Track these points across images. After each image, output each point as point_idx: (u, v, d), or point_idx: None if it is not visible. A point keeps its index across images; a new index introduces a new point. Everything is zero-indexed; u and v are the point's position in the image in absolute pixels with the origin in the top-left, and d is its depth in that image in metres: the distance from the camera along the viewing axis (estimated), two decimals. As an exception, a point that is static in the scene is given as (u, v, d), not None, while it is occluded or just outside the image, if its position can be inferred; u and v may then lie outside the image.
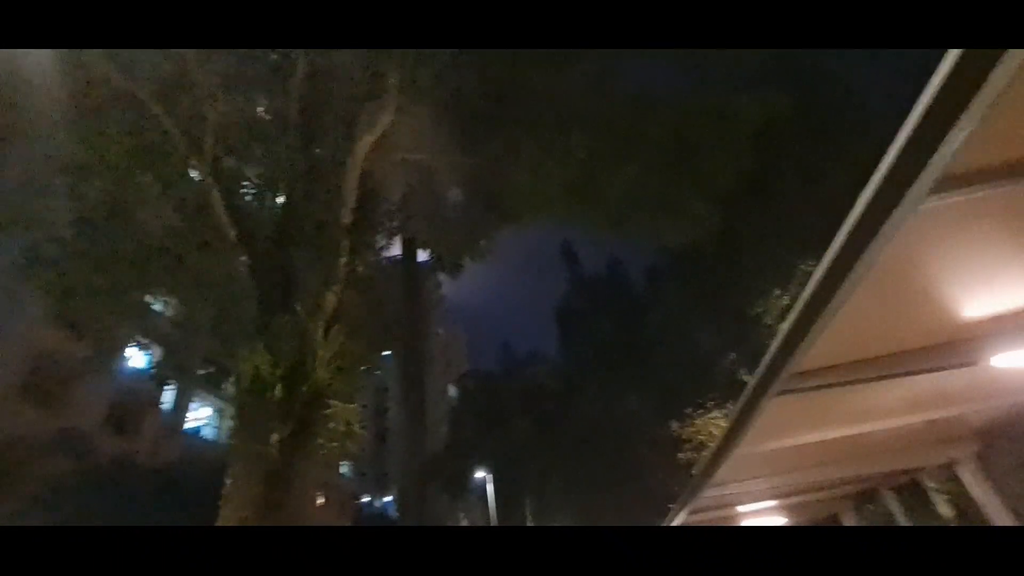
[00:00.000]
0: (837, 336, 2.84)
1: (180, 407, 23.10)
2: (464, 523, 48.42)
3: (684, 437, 19.08)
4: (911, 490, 8.28)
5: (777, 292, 17.55)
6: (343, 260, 4.97)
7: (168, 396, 22.97)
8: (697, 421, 18.76)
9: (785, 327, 2.96)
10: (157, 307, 22.54)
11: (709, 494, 6.56)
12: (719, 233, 15.15)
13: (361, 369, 4.65)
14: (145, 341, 21.06)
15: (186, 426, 24.22)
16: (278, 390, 3.83)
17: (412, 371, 22.57)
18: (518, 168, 7.15)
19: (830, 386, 3.46)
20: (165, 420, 21.58)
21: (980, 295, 2.95)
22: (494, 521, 25.62)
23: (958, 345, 3.35)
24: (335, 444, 4.65)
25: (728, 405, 18.39)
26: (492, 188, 7.37)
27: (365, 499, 61.06)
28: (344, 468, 40.33)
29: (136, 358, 20.71)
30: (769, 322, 17.97)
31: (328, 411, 4.20)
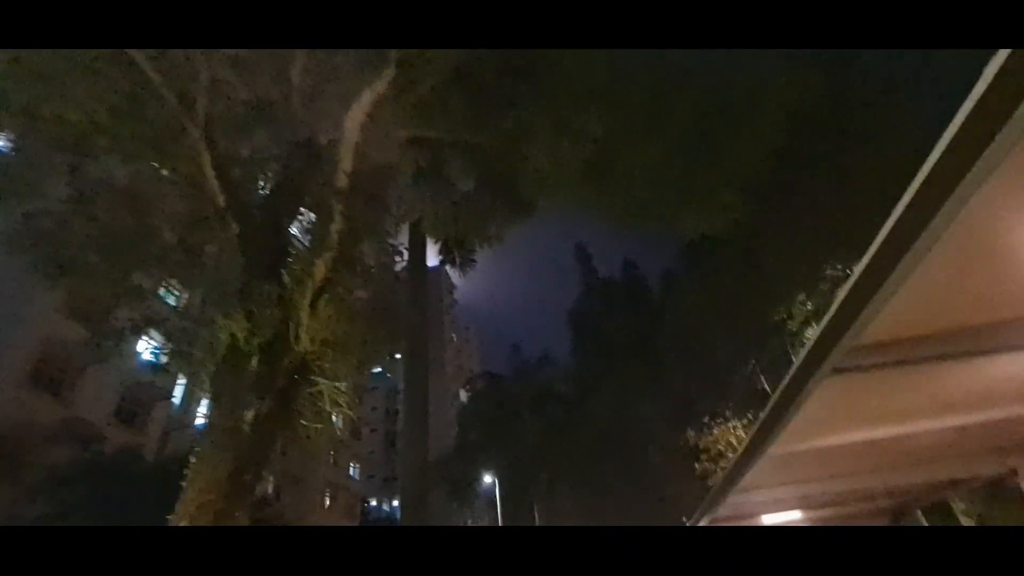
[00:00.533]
0: (911, 300, 2.25)
1: (191, 401, 23.03)
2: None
3: (701, 447, 18.42)
4: (943, 511, 7.72)
5: (801, 297, 16.76)
6: (335, 227, 4.60)
7: (179, 391, 22.97)
8: (715, 431, 18.08)
9: (848, 287, 2.45)
10: (171, 300, 22.67)
11: (732, 501, 5.90)
12: (743, 227, 14.53)
13: (357, 348, 4.22)
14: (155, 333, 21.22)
15: (198, 421, 24.20)
16: (255, 361, 3.44)
17: (417, 372, 22.20)
18: (531, 147, 6.73)
19: (900, 364, 2.82)
20: (175, 414, 21.54)
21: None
22: (499, 514, 25.02)
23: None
24: (319, 426, 4.21)
25: (748, 415, 17.64)
26: (503, 169, 6.97)
27: (372, 502, 60.83)
28: (352, 470, 40.01)
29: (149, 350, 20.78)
30: (793, 328, 17.17)
31: (312, 389, 3.79)
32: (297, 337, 3.66)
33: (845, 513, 7.93)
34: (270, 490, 29.26)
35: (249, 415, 3.31)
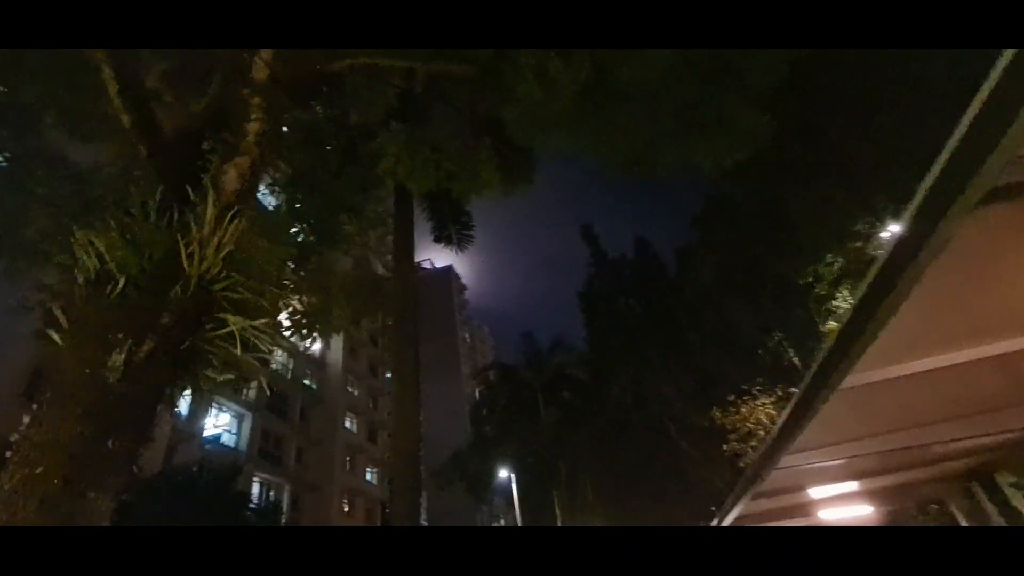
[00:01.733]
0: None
1: (196, 412, 22.48)
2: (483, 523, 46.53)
3: (728, 426, 17.29)
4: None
5: (829, 258, 15.46)
6: (254, 126, 3.68)
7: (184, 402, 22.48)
8: (743, 408, 16.93)
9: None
10: None
11: (779, 470, 5.07)
12: (763, 173, 13.37)
13: (276, 272, 3.23)
14: None
15: (205, 433, 23.63)
16: (131, 289, 2.52)
17: (405, 349, 21.20)
18: (518, 75, 5.80)
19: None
20: (181, 426, 20.98)
21: None
22: (519, 522, 23.76)
23: None
24: (229, 377, 3.28)
25: (777, 390, 16.42)
26: (488, 102, 6.05)
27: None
28: (370, 475, 39.22)
29: None
30: (821, 292, 15.91)
31: (222, 330, 2.85)
32: (192, 257, 2.73)
33: (914, 479, 6.73)
34: (287, 498, 28.62)
35: (117, 360, 2.40)
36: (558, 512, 24.98)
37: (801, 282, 15.73)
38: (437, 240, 12.36)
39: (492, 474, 26.71)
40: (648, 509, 23.41)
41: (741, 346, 19.88)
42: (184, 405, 22.18)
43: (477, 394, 39.41)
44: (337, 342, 37.76)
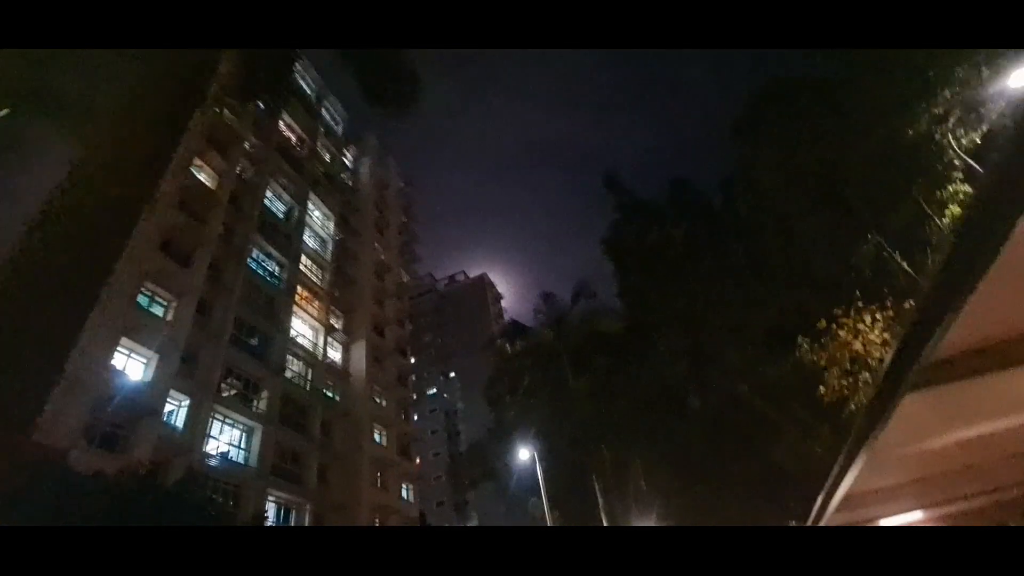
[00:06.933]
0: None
1: (194, 426, 21.64)
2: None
3: (824, 363, 12.65)
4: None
5: (923, 105, 11.83)
6: None
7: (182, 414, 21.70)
8: (842, 332, 12.23)
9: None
10: (157, 310, 21.54)
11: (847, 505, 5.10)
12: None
13: None
14: (141, 349, 20.01)
15: (209, 448, 22.76)
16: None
17: None
18: None
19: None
20: (177, 439, 20.18)
21: None
22: (545, 508, 19.07)
23: None
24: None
25: (888, 303, 11.92)
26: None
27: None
28: (405, 492, 37.70)
29: (131, 368, 19.48)
30: (943, 140, 12.14)
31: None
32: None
33: (975, 507, 6.02)
34: (308, 519, 27.43)
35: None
36: (601, 506, 20.45)
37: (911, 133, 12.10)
38: (372, 103, 9.95)
39: (510, 455, 22.55)
40: (717, 499, 18.90)
41: (819, 262, 15.64)
42: (181, 417, 21.47)
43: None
44: (359, 351, 36.84)
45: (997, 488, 6.17)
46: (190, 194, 24.24)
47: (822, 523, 5.48)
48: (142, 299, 21.12)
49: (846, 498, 4.92)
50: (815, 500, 6.90)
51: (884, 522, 6.07)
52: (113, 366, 18.38)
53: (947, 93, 11.50)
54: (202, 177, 26.50)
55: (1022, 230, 1.44)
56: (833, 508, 4.91)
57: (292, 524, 26.69)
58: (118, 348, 18.74)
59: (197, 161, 26.36)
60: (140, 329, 19.75)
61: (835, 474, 4.68)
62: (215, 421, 23.81)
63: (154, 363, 20.01)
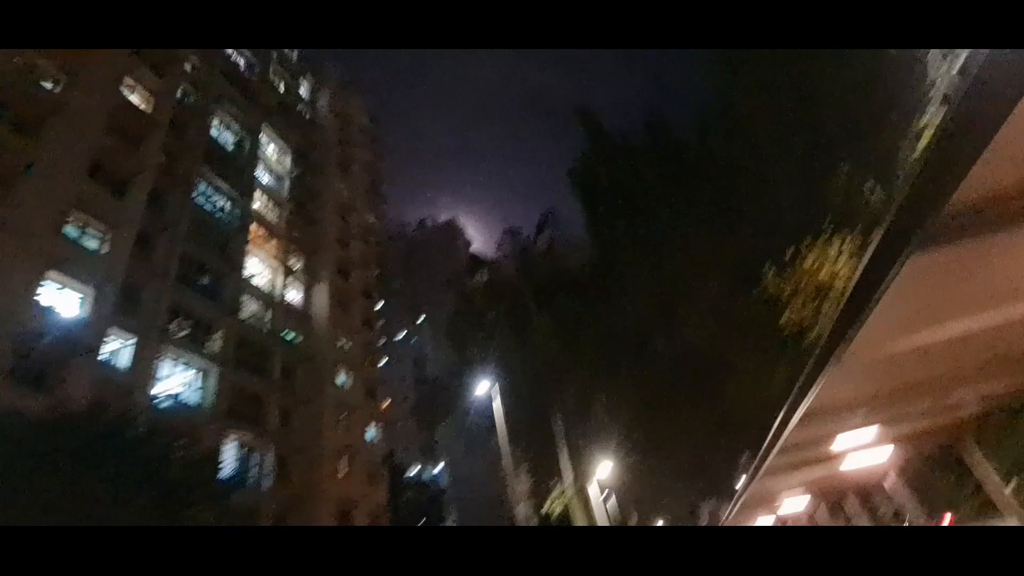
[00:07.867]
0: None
1: (139, 366, 20.55)
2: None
3: (788, 290, 12.54)
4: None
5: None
6: None
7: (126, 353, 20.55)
8: (808, 259, 12.12)
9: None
10: (92, 244, 19.95)
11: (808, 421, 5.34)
12: None
13: None
14: (74, 283, 18.56)
15: (159, 389, 21.79)
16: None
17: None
18: None
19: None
20: (119, 380, 19.13)
21: None
22: (503, 441, 18.35)
23: None
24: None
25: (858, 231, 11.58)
26: None
27: (413, 470, 59.36)
28: (370, 432, 37.55)
29: (63, 301, 18.05)
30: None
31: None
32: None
33: (930, 425, 6.80)
34: (271, 461, 27.09)
35: None
36: (563, 442, 20.64)
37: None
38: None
39: (467, 390, 22.19)
40: (675, 433, 19.87)
41: (793, 193, 15.11)
42: (126, 356, 20.33)
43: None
44: (322, 294, 35.69)
45: (952, 406, 6.12)
46: (120, 115, 21.92)
47: (782, 439, 5.41)
48: (72, 231, 19.32)
49: (807, 413, 4.71)
50: (766, 435, 6.94)
51: (840, 437, 6.05)
52: (38, 301, 16.92)
53: None
54: (133, 98, 23.96)
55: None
56: (795, 422, 4.76)
57: (254, 464, 26.44)
58: (44, 281, 17.23)
59: (128, 80, 23.76)
60: (70, 262, 18.15)
61: (801, 384, 4.42)
62: (166, 362, 22.75)
63: (90, 299, 18.59)
